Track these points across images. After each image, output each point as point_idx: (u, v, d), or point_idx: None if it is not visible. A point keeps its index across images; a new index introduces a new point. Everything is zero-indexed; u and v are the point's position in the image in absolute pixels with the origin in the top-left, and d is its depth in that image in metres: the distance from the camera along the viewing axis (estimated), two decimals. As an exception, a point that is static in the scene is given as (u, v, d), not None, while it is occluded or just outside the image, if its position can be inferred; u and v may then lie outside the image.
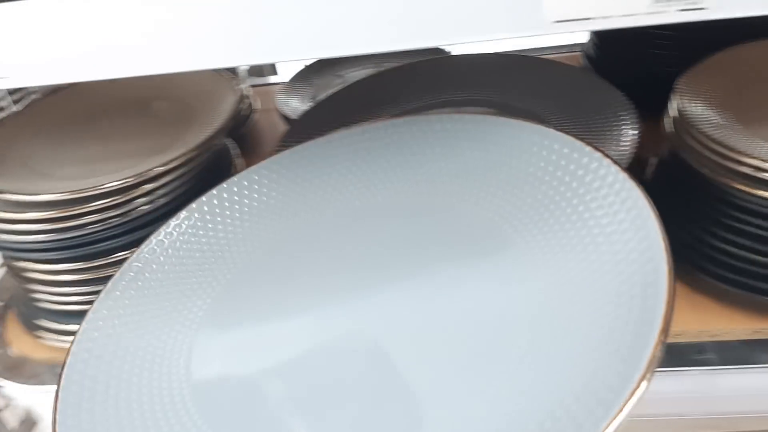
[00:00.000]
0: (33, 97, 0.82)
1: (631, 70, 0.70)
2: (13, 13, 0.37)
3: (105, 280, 0.59)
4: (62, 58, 0.39)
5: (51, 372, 0.61)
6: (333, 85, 0.85)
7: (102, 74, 0.39)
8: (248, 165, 0.68)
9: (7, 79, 0.39)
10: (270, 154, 0.58)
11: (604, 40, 0.75)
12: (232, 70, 0.84)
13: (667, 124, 0.53)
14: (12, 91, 0.81)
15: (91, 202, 0.55)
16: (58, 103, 0.73)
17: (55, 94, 0.76)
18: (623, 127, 0.57)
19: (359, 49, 0.38)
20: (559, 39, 0.88)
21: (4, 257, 0.66)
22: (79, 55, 0.38)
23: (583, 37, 0.81)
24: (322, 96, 0.79)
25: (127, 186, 0.55)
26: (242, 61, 0.38)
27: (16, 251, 0.60)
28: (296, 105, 0.81)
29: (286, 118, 0.80)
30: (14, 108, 0.79)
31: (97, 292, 0.50)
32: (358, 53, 0.38)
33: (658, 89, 0.57)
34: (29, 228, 0.56)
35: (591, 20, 0.35)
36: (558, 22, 0.36)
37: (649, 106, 0.58)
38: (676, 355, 0.51)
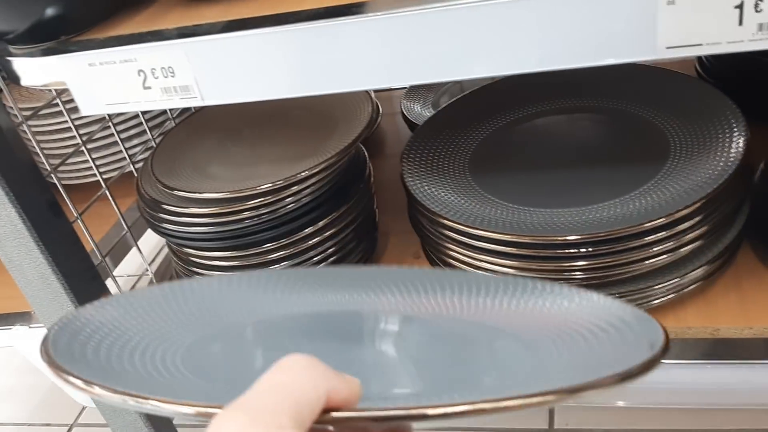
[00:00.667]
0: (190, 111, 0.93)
1: (741, 78, 0.73)
2: (205, 48, 0.45)
3: (255, 266, 0.68)
4: (237, 82, 0.47)
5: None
6: (452, 90, 0.91)
7: (274, 95, 0.47)
8: (375, 166, 0.76)
9: (197, 98, 0.48)
10: (395, 157, 0.64)
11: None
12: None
13: (776, 132, 0.56)
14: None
15: (248, 201, 0.64)
16: (210, 115, 0.83)
17: (207, 109, 0.85)
18: (733, 133, 0.60)
19: (489, 72, 0.44)
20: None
21: (169, 245, 0.76)
22: (256, 79, 0.46)
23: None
24: (443, 102, 0.85)
25: (278, 188, 0.63)
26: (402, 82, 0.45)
27: (181, 239, 0.69)
28: (419, 110, 0.88)
29: (408, 123, 0.86)
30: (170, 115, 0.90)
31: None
32: (487, 76, 0.45)
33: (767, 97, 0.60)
34: (194, 221, 0.66)
35: (701, 46, 0.40)
36: (670, 48, 0.41)
37: (758, 113, 0.61)
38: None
